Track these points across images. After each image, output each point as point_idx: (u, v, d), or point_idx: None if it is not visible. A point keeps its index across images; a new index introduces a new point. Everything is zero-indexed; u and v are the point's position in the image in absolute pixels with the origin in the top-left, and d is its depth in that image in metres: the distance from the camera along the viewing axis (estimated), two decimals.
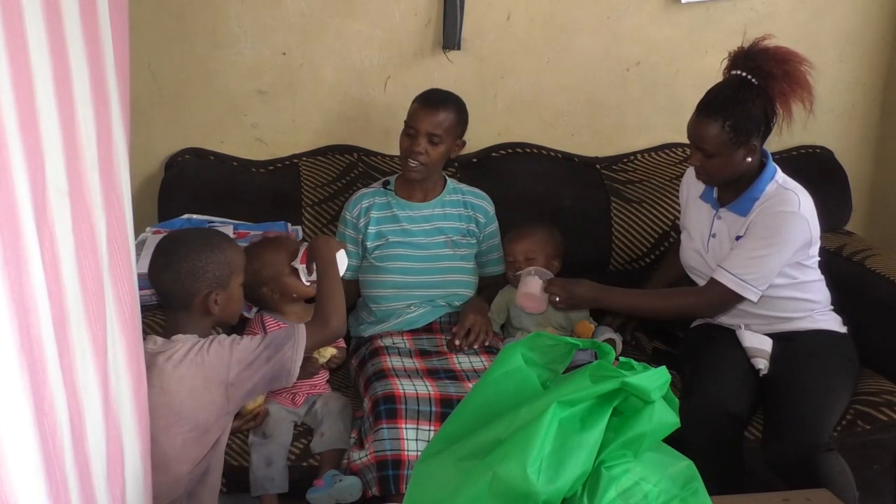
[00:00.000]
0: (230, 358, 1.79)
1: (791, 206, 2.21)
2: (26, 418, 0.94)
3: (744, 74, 2.17)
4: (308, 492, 2.09)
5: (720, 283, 2.24)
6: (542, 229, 2.55)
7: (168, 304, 1.93)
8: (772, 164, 2.28)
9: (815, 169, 2.94)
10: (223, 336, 1.87)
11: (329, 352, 2.23)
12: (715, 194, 2.37)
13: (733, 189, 2.29)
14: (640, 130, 3.06)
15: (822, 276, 2.38)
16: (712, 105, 2.17)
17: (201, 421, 1.80)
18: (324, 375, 2.34)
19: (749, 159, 2.20)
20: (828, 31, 3.03)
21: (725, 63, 2.24)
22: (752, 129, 2.16)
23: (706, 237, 2.37)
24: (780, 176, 2.28)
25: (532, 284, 2.37)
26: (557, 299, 2.33)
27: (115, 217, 1.26)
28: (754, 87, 2.16)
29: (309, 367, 2.18)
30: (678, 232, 2.70)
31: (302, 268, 2.18)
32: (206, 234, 2.05)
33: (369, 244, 2.52)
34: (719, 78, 2.28)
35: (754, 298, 2.23)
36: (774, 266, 2.22)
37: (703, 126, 2.17)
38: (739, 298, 2.24)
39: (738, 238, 2.27)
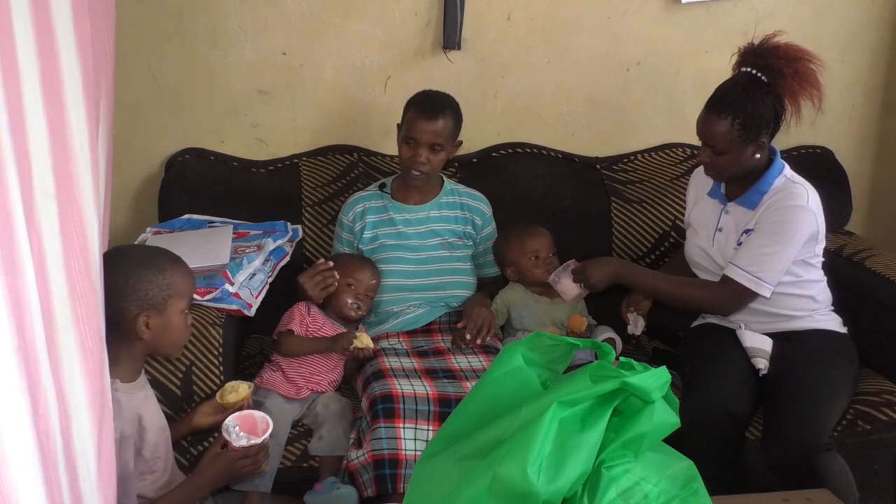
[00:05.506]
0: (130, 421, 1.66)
1: (800, 199, 2.22)
2: (25, 419, 0.94)
3: (753, 72, 2.17)
4: (307, 494, 2.09)
5: (734, 281, 2.24)
6: (538, 224, 2.59)
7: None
8: (780, 160, 2.29)
9: (815, 169, 2.92)
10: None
11: (367, 342, 2.25)
12: (722, 189, 2.38)
13: (741, 184, 2.30)
14: (640, 130, 3.06)
15: (825, 277, 2.38)
16: (722, 102, 2.17)
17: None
18: (330, 377, 2.33)
19: (758, 155, 2.22)
20: (828, 32, 3.03)
21: (735, 59, 2.24)
22: (762, 127, 2.17)
23: (712, 232, 2.38)
24: (788, 171, 2.30)
25: (568, 285, 2.42)
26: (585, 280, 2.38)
27: (105, 221, 1.26)
28: (764, 84, 2.16)
29: (342, 341, 2.23)
30: (679, 233, 2.70)
31: (236, 431, 1.73)
32: (150, 252, 1.82)
33: (364, 248, 2.51)
34: (720, 78, 2.28)
35: (767, 294, 2.23)
36: (786, 261, 2.22)
37: (713, 123, 2.18)
38: (754, 295, 2.24)
39: (746, 231, 2.28)
